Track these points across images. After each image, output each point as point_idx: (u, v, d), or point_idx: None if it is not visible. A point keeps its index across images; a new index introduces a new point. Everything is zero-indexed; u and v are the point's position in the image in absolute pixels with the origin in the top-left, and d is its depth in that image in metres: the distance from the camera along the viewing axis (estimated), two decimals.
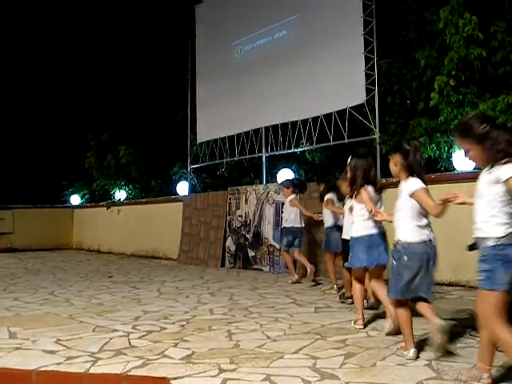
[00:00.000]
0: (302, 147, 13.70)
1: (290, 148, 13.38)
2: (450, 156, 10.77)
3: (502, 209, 3.93)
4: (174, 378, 4.58)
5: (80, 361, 5.14)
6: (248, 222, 13.14)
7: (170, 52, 18.85)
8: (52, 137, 23.78)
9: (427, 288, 4.96)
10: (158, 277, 11.96)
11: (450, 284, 9.28)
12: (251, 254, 12.91)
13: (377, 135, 11.47)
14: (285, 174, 13.74)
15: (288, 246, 10.61)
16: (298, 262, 10.81)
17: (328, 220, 9.19)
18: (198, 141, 16.21)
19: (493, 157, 3.95)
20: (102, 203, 20.56)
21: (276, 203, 12.44)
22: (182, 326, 6.67)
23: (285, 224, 10.71)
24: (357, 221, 6.17)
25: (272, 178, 14.09)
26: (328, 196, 9.08)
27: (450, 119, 10.57)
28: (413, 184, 4.96)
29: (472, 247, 4.39)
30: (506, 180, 3.84)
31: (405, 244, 4.91)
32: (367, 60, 11.53)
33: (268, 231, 12.56)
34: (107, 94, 21.83)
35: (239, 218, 13.50)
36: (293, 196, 10.62)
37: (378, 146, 11.42)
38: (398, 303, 5.05)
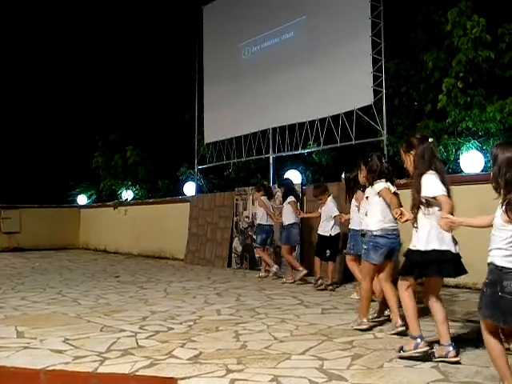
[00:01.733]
0: (309, 148, 13.68)
1: (298, 149, 13.38)
2: (457, 158, 10.76)
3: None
4: (182, 378, 4.60)
5: (88, 360, 5.16)
6: (255, 222, 13.13)
7: (177, 53, 18.87)
8: (59, 137, 23.83)
9: None
10: (164, 277, 11.98)
11: (456, 286, 9.26)
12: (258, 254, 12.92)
13: (384, 137, 11.46)
14: (292, 175, 13.73)
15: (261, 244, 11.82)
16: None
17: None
18: (206, 141, 16.22)
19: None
20: (108, 203, 20.60)
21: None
22: (190, 326, 6.68)
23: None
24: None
25: (279, 178, 14.08)
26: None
27: (458, 121, 10.57)
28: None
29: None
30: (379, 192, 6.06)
31: None
32: (375, 61, 11.52)
33: (275, 232, 12.54)
34: (115, 94, 21.89)
35: (246, 219, 13.50)
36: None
37: (385, 148, 11.41)
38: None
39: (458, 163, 10.69)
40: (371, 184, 6.32)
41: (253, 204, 13.22)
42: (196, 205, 15.55)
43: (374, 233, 6.12)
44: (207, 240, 14.67)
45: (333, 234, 9.69)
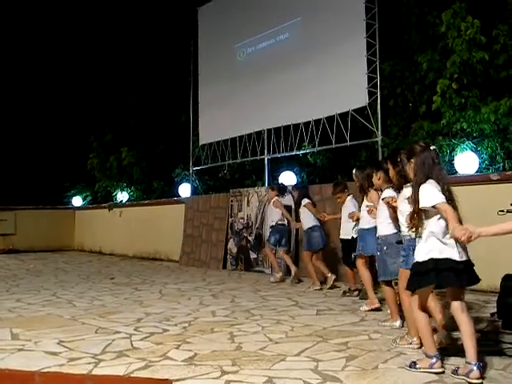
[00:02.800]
0: (304, 150, 13.68)
1: (293, 150, 13.38)
2: (452, 159, 10.77)
3: None
4: (177, 380, 4.59)
5: (82, 362, 5.16)
6: (250, 224, 13.15)
7: (172, 54, 18.87)
8: (54, 138, 23.79)
9: None
10: (159, 278, 11.97)
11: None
12: (253, 256, 12.92)
13: (379, 138, 11.47)
14: (287, 177, 13.75)
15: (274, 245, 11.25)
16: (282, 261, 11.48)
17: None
18: (201, 143, 16.22)
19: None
20: (104, 205, 20.59)
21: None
22: (185, 327, 6.68)
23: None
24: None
25: (274, 180, 14.08)
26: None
27: (452, 122, 10.59)
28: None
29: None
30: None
31: None
32: (370, 63, 11.53)
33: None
34: (110, 95, 21.88)
35: (241, 220, 13.51)
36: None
37: (380, 149, 11.43)
38: None
39: (453, 164, 10.70)
40: (400, 188, 5.78)
41: (267, 204, 12.65)
42: (191, 206, 15.55)
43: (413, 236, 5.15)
44: (202, 241, 14.67)
45: (355, 236, 8.45)
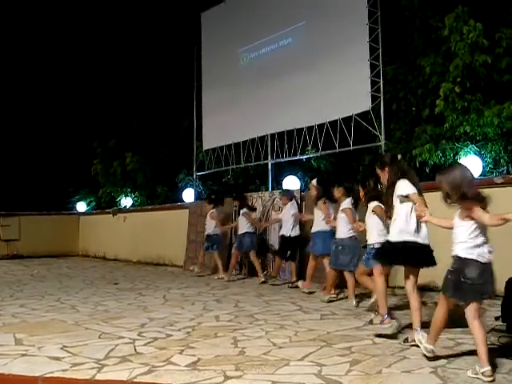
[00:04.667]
0: (307, 154, 13.70)
1: (296, 155, 13.39)
2: (455, 163, 10.76)
3: None
4: None
5: (86, 367, 5.15)
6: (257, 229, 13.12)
7: (176, 60, 18.91)
8: (58, 144, 23.86)
9: None
10: (163, 284, 11.96)
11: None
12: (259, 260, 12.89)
13: (382, 142, 11.48)
14: (290, 181, 13.76)
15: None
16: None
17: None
18: (204, 148, 16.24)
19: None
20: (107, 210, 20.60)
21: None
22: (188, 332, 6.67)
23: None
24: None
25: (278, 185, 14.08)
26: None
27: (456, 126, 10.60)
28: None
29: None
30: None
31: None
32: (373, 67, 11.54)
33: (273, 238, 12.53)
34: (113, 101, 21.93)
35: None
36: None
37: (383, 153, 11.41)
38: None
39: None
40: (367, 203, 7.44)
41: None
42: (195, 211, 15.53)
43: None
44: None
45: (292, 235, 11.00)
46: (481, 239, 4.79)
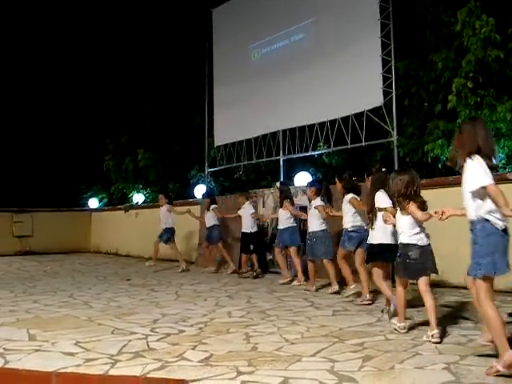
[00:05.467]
0: (319, 150, 13.69)
1: (308, 151, 13.37)
2: None
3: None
4: (193, 381, 4.60)
5: (99, 363, 5.18)
6: (265, 225, 13.11)
7: (187, 56, 18.92)
8: (71, 141, 23.94)
9: None
10: (175, 280, 12.00)
11: (466, 287, 9.21)
12: (269, 257, 12.89)
13: (394, 138, 11.44)
14: (302, 177, 13.75)
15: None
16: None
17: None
18: (216, 144, 16.24)
19: None
20: (120, 206, 20.66)
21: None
22: (200, 328, 6.69)
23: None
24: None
25: (289, 181, 14.07)
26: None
27: None
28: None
29: None
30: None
31: None
32: (384, 62, 11.50)
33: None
34: (125, 98, 21.96)
35: (256, 221, 13.46)
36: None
37: (395, 149, 11.39)
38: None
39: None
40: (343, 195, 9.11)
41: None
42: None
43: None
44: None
45: (253, 231, 12.36)
46: (418, 228, 6.05)
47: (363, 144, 12.06)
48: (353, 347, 5.59)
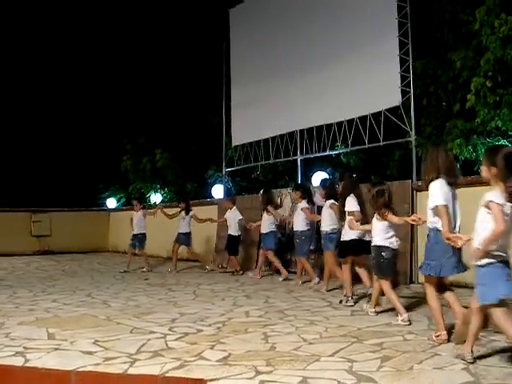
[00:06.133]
0: (337, 150, 13.66)
1: (325, 151, 13.34)
2: None
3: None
4: (211, 380, 4.62)
5: (118, 362, 5.21)
6: (283, 225, 13.10)
7: (205, 56, 18.95)
8: (89, 141, 24.06)
9: None
10: (193, 279, 12.03)
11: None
12: (286, 257, 12.89)
13: (412, 137, 11.40)
14: (320, 177, 13.73)
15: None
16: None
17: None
18: (233, 144, 16.26)
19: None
20: (150, 211, 20.69)
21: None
22: (219, 328, 6.71)
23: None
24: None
25: (307, 180, 14.05)
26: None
27: (487, 121, 10.47)
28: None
29: None
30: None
31: None
32: (402, 62, 11.45)
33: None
34: (143, 99, 22.03)
35: (276, 222, 13.46)
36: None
37: (413, 149, 11.35)
38: None
39: None
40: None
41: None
42: (224, 207, 15.57)
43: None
44: None
45: (238, 234, 13.29)
46: (391, 233, 7.04)
47: (381, 144, 12.03)
48: (371, 347, 5.59)
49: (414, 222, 6.79)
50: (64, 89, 24.66)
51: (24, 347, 5.82)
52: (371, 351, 5.43)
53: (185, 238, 14.30)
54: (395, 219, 6.92)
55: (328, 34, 13.24)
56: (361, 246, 8.22)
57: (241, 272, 13.03)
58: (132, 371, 4.94)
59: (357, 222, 8.06)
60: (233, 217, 13.28)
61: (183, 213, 14.34)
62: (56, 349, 5.73)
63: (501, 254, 4.74)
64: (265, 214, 12.18)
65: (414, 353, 5.35)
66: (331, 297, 9.08)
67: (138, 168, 21.19)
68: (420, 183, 10.22)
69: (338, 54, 12.85)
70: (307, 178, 14.22)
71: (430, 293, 5.91)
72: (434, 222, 5.73)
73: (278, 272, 12.26)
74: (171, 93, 20.99)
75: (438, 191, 5.69)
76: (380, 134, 11.86)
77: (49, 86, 24.59)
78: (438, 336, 5.77)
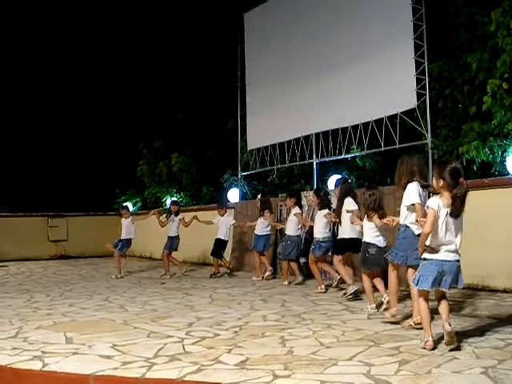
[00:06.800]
0: (352, 153, 13.64)
1: (341, 154, 13.32)
2: (503, 160, 10.61)
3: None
4: None
5: (136, 366, 5.22)
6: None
7: (220, 60, 19.00)
8: (105, 146, 24.20)
9: None
10: (210, 283, 12.04)
11: (504, 291, 9.10)
12: (302, 260, 12.85)
13: (429, 140, 11.35)
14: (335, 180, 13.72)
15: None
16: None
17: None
18: (249, 148, 16.27)
19: None
20: (153, 210, 20.76)
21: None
22: (236, 332, 6.71)
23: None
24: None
25: (323, 184, 14.03)
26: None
27: (504, 123, 10.42)
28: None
29: None
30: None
31: None
32: (418, 64, 11.41)
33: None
34: (159, 103, 22.11)
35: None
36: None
37: (429, 151, 11.30)
38: None
39: (505, 165, 10.54)
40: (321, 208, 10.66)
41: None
42: (240, 211, 15.59)
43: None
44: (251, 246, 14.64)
45: (225, 238, 14.01)
46: (378, 232, 7.76)
47: (397, 146, 11.98)
48: (389, 351, 5.56)
49: (388, 223, 7.31)
50: (82, 95, 24.87)
51: (42, 351, 5.84)
52: (389, 355, 5.41)
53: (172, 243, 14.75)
54: (377, 221, 7.61)
55: (343, 37, 13.22)
56: (359, 245, 8.57)
57: (218, 274, 13.70)
58: (150, 375, 4.94)
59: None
60: (225, 222, 13.98)
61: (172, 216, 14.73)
62: (74, 353, 5.76)
63: (437, 254, 5.57)
64: (261, 218, 12.91)
65: (432, 356, 5.32)
66: (347, 300, 9.04)
67: (153, 172, 21.26)
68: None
69: (354, 57, 12.83)
70: (323, 181, 14.20)
71: (393, 276, 7.17)
72: (407, 219, 6.64)
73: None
74: (186, 97, 21.06)
75: (414, 191, 6.48)
76: (396, 136, 11.82)
77: (66, 92, 24.79)
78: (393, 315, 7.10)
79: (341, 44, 13.26)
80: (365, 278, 7.95)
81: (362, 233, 8.53)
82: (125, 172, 23.13)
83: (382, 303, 7.64)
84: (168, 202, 20.66)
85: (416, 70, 11.38)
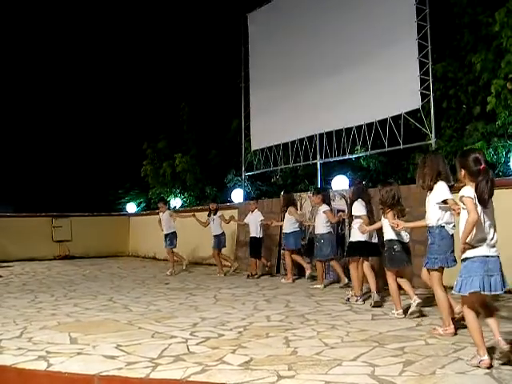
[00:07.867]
0: (356, 153, 13.64)
1: (345, 154, 13.31)
2: (507, 161, 10.60)
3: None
4: None
5: (140, 366, 5.22)
6: (302, 228, 13.08)
7: (224, 60, 19.01)
8: (109, 146, 24.23)
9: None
10: (214, 284, 12.04)
11: (509, 292, 9.07)
12: (306, 260, 12.86)
13: (433, 140, 11.35)
14: (340, 181, 13.72)
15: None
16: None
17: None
18: (253, 148, 16.27)
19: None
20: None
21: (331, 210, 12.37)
22: (240, 332, 6.70)
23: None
24: None
25: (327, 184, 14.03)
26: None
27: (508, 123, 10.41)
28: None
29: None
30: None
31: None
32: (422, 65, 11.40)
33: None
34: (162, 103, 22.13)
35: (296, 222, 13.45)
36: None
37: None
38: None
39: (509, 166, 10.54)
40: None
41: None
42: (244, 212, 15.58)
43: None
44: None
45: (260, 236, 13.35)
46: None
47: (401, 147, 11.98)
48: (393, 352, 5.56)
49: (393, 225, 7.21)
50: (86, 95, 24.89)
51: (47, 351, 5.85)
52: (393, 355, 5.41)
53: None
54: (390, 220, 7.34)
55: (347, 37, 13.22)
56: (368, 248, 8.78)
57: (256, 276, 13.18)
58: (154, 376, 4.95)
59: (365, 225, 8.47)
60: (254, 219, 13.35)
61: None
62: (78, 353, 5.76)
63: (479, 249, 4.97)
64: (287, 214, 12.32)
65: (436, 357, 5.31)
66: (353, 302, 9.04)
67: (157, 173, 21.30)
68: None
69: (358, 57, 12.83)
70: (327, 181, 14.20)
71: (439, 287, 6.41)
72: (440, 218, 6.33)
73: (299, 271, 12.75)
74: (190, 97, 21.07)
75: (446, 188, 6.29)
76: (400, 137, 11.82)
77: (71, 93, 24.82)
78: (445, 330, 6.31)
79: (345, 44, 13.26)
80: (390, 280, 7.58)
81: (371, 236, 8.77)
82: (129, 172, 23.17)
83: (410, 307, 7.46)
84: (172, 202, 20.68)
85: (420, 70, 11.39)
